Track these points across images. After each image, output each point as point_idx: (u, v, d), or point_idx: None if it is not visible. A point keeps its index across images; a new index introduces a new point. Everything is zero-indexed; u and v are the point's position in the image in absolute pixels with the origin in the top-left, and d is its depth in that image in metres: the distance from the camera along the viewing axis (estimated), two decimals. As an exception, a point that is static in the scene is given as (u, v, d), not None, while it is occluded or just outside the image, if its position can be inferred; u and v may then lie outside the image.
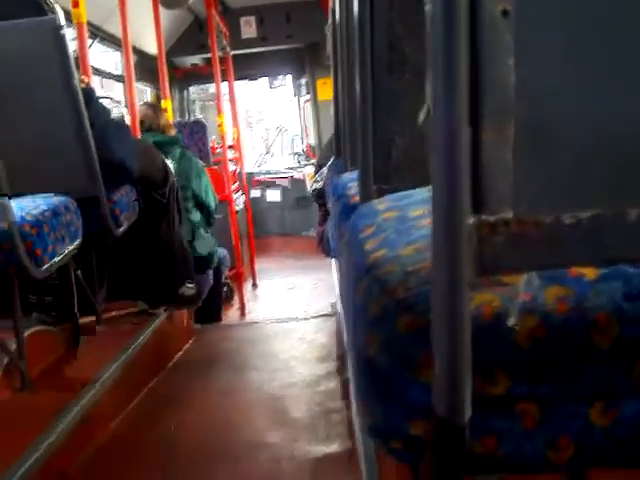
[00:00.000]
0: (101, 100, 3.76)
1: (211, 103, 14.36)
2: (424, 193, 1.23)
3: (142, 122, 5.18)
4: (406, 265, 0.87)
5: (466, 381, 0.70)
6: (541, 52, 0.66)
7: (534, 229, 0.67)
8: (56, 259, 2.79)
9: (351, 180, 2.09)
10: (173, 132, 5.75)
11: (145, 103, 5.65)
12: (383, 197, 1.35)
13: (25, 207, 2.71)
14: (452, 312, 0.67)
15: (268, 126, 16.95)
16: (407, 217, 1.08)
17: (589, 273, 0.80)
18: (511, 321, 0.77)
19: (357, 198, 1.75)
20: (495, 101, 0.64)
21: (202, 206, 5.65)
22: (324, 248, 4.07)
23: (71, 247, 2.97)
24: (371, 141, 1.62)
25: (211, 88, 13.38)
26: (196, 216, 5.45)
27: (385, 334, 0.82)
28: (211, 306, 5.77)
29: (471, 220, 0.65)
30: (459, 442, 0.75)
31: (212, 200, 5.77)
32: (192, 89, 12.22)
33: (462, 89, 0.63)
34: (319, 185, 4.29)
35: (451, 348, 0.69)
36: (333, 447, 2.98)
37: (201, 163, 5.99)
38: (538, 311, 0.78)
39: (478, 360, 0.77)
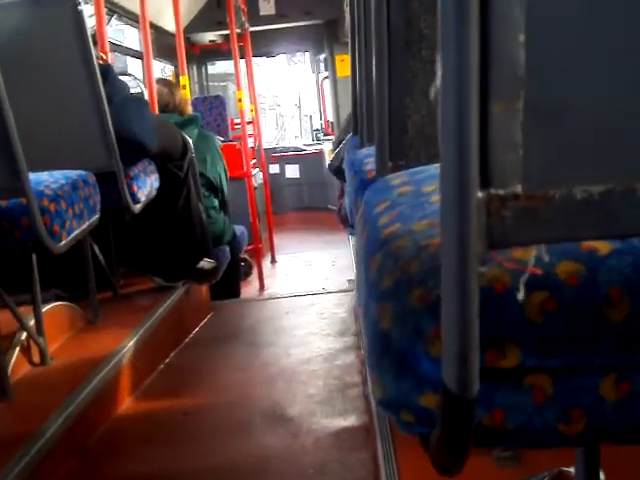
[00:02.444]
0: (120, 77, 3.78)
1: (223, 84, 14.36)
2: (437, 169, 1.24)
3: (158, 100, 5.17)
4: (419, 240, 0.88)
5: (474, 355, 0.71)
6: (552, 28, 0.66)
7: (544, 203, 0.67)
8: (74, 234, 2.81)
9: (367, 156, 2.09)
10: (190, 110, 5.74)
11: (160, 80, 5.63)
12: (398, 173, 1.36)
13: (44, 182, 2.73)
14: (461, 286, 0.68)
15: (283, 112, 16.93)
16: (421, 192, 1.08)
17: (601, 248, 0.80)
18: (521, 296, 0.77)
19: (373, 174, 1.76)
20: (504, 76, 0.64)
21: (217, 190, 5.66)
22: (343, 220, 4.09)
23: (89, 222, 2.99)
24: (387, 117, 1.63)
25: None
26: (210, 201, 5.46)
27: (398, 307, 0.83)
28: (229, 282, 5.79)
29: (480, 194, 0.66)
30: (468, 415, 0.76)
31: (225, 182, 5.78)
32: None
33: (472, 64, 0.63)
34: (337, 161, 4.30)
35: (460, 322, 0.69)
36: (350, 421, 3.01)
37: (218, 142, 5.98)
38: (549, 285, 0.78)
39: (489, 334, 0.78)
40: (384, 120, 1.63)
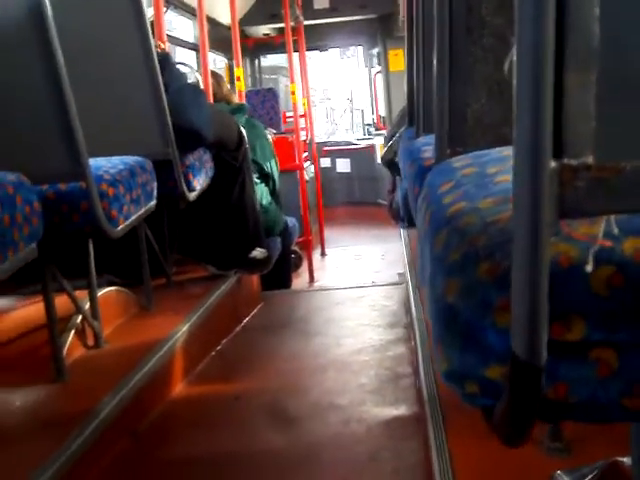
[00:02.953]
0: (178, 66, 3.82)
1: (273, 77, 14.39)
2: (501, 152, 1.25)
3: (205, 92, 5.20)
4: (485, 216, 0.89)
5: (543, 323, 0.72)
6: (626, 2, 0.67)
7: (615, 174, 0.68)
8: (131, 219, 2.84)
9: (425, 144, 2.10)
10: (236, 100, 5.78)
11: None
12: (460, 156, 1.37)
13: (102, 166, 2.76)
14: (532, 255, 0.69)
15: (334, 106, 16.93)
16: (485, 173, 1.09)
17: (669, 224, 0.81)
18: (589, 268, 0.78)
19: (431, 161, 1.77)
20: (579, 49, 0.66)
21: (267, 177, 5.67)
22: (394, 214, 4.09)
23: (146, 208, 3.03)
24: (447, 104, 1.64)
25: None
26: (261, 188, 5.48)
27: (465, 280, 0.84)
28: (280, 273, 5.81)
29: (553, 164, 0.67)
30: (536, 384, 0.77)
31: (276, 170, 5.80)
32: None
33: (548, 36, 0.64)
34: (390, 154, 4.30)
35: (530, 291, 0.71)
36: (401, 410, 3.02)
37: (267, 131, 6.01)
38: (615, 260, 0.79)
39: (555, 306, 0.79)
40: (444, 107, 1.64)
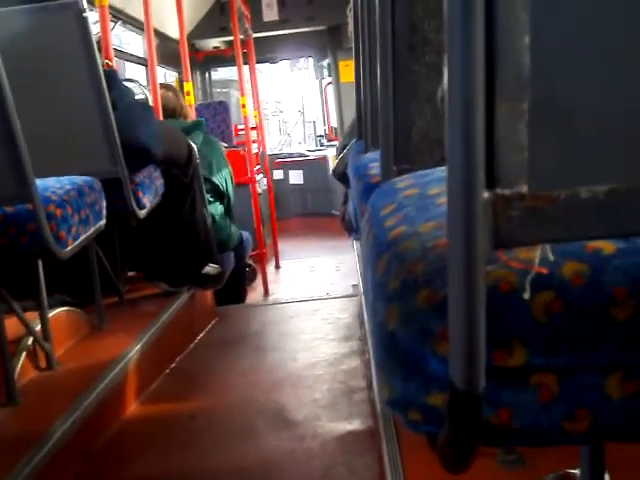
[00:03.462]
0: (125, 83, 3.80)
1: (225, 90, 14.37)
2: (443, 171, 1.25)
3: (165, 105, 5.18)
4: (425, 241, 0.89)
5: (481, 353, 0.72)
6: (556, 31, 0.67)
7: (549, 203, 0.68)
8: (80, 239, 2.82)
9: (372, 160, 2.10)
10: (192, 114, 5.76)
11: (163, 85, 5.64)
12: (403, 176, 1.37)
13: (50, 187, 2.74)
14: (468, 285, 0.69)
15: (286, 118, 16.95)
16: (427, 195, 1.09)
17: (606, 248, 0.81)
18: (527, 295, 0.78)
19: (378, 178, 1.77)
20: (510, 79, 0.66)
21: (222, 196, 5.66)
22: (346, 227, 4.10)
23: (95, 227, 3.00)
24: (392, 121, 1.64)
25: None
26: (215, 207, 5.47)
27: (404, 308, 0.84)
28: (234, 288, 5.80)
29: (486, 194, 0.67)
30: (475, 411, 0.77)
31: (231, 188, 5.78)
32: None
33: (477, 66, 0.64)
34: (341, 167, 4.31)
35: (467, 320, 0.70)
36: (355, 425, 3.02)
37: (223, 148, 5.99)
38: (554, 285, 0.79)
39: (495, 333, 0.79)
40: (389, 125, 1.64)
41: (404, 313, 0.84)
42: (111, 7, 5.26)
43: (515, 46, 0.65)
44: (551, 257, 0.78)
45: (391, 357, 0.86)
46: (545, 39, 0.65)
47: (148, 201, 3.78)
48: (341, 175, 3.92)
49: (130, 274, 4.61)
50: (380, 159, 1.67)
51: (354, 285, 5.86)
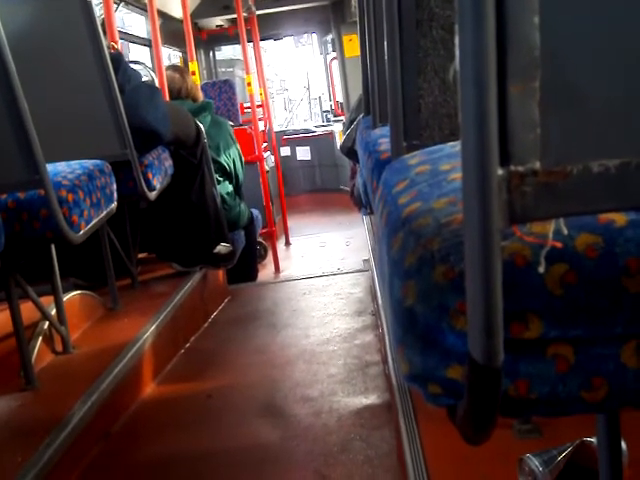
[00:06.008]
0: (132, 65, 3.80)
1: (229, 70, 14.33)
2: (454, 147, 1.26)
3: (170, 87, 5.16)
4: (439, 218, 0.90)
5: (498, 326, 0.73)
6: (565, 10, 0.67)
7: (562, 178, 0.69)
8: (92, 223, 2.83)
9: (381, 136, 2.11)
10: (201, 95, 5.74)
11: (170, 66, 5.63)
12: (414, 152, 1.37)
13: (61, 172, 2.75)
14: (484, 260, 0.70)
15: (292, 96, 16.91)
16: (438, 171, 1.10)
17: (618, 220, 0.82)
18: (542, 269, 0.79)
19: (387, 154, 1.77)
20: (521, 57, 0.66)
21: (230, 176, 5.65)
22: (356, 201, 4.11)
23: (107, 210, 3.01)
24: (400, 98, 1.64)
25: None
26: (225, 186, 5.46)
27: (422, 284, 0.85)
28: (245, 266, 5.81)
29: (500, 171, 0.68)
30: (495, 384, 0.78)
31: (240, 167, 5.77)
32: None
33: (489, 46, 0.65)
34: (349, 142, 4.30)
35: (484, 295, 0.72)
36: (371, 399, 3.03)
37: (231, 129, 5.97)
38: (568, 258, 0.80)
39: (512, 305, 0.80)
40: (398, 101, 1.65)
41: (421, 289, 0.85)
42: (114, -12, 5.26)
43: (525, 25, 0.66)
44: (565, 231, 0.79)
45: (409, 333, 0.88)
46: (554, 18, 0.66)
47: (158, 182, 3.79)
48: (349, 150, 3.91)
49: (142, 255, 4.62)
50: (390, 136, 1.68)
51: (365, 260, 5.87)
